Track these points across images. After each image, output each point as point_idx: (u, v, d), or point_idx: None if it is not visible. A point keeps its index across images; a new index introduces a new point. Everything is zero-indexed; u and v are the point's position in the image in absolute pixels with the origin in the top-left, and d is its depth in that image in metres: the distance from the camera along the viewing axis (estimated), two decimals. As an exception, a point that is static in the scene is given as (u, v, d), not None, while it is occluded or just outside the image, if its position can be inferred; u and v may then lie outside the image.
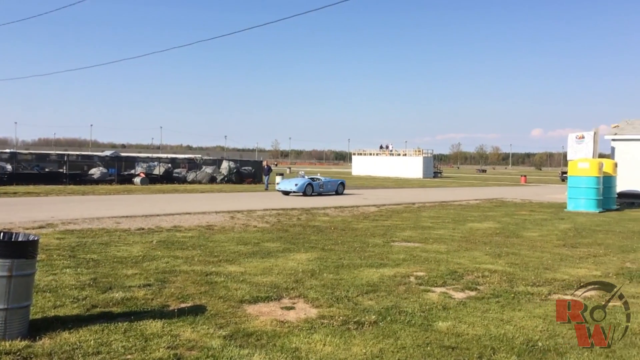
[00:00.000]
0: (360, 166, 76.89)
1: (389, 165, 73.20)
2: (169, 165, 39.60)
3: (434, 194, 32.90)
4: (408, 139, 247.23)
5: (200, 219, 15.85)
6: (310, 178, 29.76)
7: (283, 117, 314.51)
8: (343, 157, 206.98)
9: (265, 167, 36.09)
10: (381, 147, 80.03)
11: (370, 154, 79.60)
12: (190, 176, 38.69)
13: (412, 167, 70.56)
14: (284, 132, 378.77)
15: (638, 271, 9.58)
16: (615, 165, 25.54)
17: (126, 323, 5.70)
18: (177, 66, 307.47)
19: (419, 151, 74.05)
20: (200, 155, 61.05)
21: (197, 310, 6.25)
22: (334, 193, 29.95)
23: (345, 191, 31.20)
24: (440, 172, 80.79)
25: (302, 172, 35.78)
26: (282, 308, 6.57)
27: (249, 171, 41.75)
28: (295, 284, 7.77)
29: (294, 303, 6.81)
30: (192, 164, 41.66)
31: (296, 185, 28.14)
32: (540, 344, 5.48)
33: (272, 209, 19.56)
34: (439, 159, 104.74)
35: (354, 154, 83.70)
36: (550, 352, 5.27)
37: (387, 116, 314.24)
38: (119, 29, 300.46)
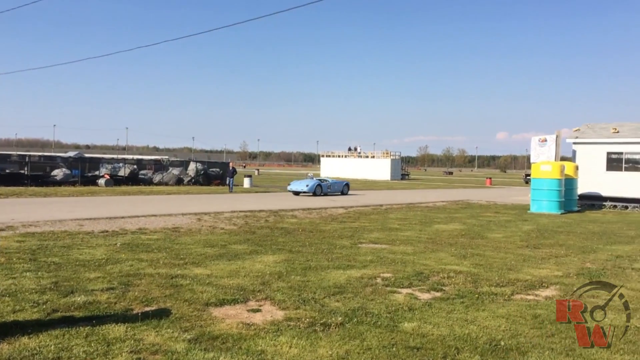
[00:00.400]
0: (329, 168, 76.99)
1: (357, 167, 73.55)
2: (135, 166, 38.97)
3: (401, 196, 33.21)
4: (376, 141, 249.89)
5: (166, 221, 15.65)
6: (319, 180, 32.12)
7: (251, 119, 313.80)
8: (312, 159, 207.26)
9: (230, 168, 35.77)
10: (350, 149, 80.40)
11: (339, 156, 79.86)
12: (157, 178, 38.15)
13: (380, 169, 71.08)
14: (253, 134, 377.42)
15: (598, 271, 9.85)
16: (577, 168, 26.25)
17: (88, 327, 5.59)
18: (144, 66, 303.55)
19: (387, 153, 74.59)
20: (167, 157, 60.30)
21: (162, 314, 6.16)
22: (339, 193, 32.20)
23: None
24: (408, 174, 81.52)
25: (311, 174, 38.10)
26: (248, 310, 6.53)
27: (217, 173, 41.39)
28: (262, 286, 7.73)
29: (260, 305, 6.77)
30: (159, 166, 41.09)
31: (307, 186, 30.42)
32: (502, 343, 5.58)
33: (240, 211, 19.44)
34: (407, 161, 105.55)
35: (323, 156, 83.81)
36: (512, 351, 5.36)
37: (355, 118, 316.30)
38: (83, 28, 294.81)
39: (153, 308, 6.45)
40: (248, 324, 5.94)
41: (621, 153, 26.76)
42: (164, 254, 10.13)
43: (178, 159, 49.56)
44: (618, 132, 27.63)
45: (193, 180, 39.10)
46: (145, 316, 6.03)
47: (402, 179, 72.33)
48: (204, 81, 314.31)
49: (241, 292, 7.34)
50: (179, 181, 38.32)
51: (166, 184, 37.43)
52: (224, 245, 11.46)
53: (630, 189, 26.20)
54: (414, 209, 23.40)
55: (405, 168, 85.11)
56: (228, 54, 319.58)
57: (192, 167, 40.60)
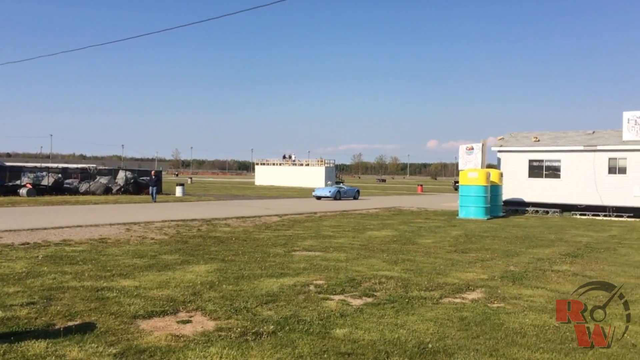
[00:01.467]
0: (264, 176, 76.77)
1: (292, 175, 73.66)
2: (60, 175, 37.32)
3: (335, 204, 33.50)
4: (311, 149, 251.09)
5: (92, 232, 15.07)
6: (337, 187, 39.46)
7: (184, 126, 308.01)
8: (246, 167, 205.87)
9: (153, 177, 34.90)
10: (284, 157, 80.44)
11: (274, 164, 79.74)
12: (83, 187, 36.71)
13: (314, 176, 71.44)
14: (185, 142, 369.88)
15: (520, 274, 10.29)
16: (501, 175, 27.43)
17: (6, 345, 5.29)
18: (69, 70, 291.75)
19: (322, 161, 75.21)
20: (94, 165, 58.19)
21: (86, 328, 5.92)
22: (352, 198, 38.87)
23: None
24: (342, 182, 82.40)
25: (330, 182, 45.10)
26: (178, 322, 6.38)
27: (148, 181, 40.29)
28: (193, 297, 7.58)
29: (191, 316, 6.64)
30: (85, 174, 39.55)
31: (330, 192, 37.50)
32: (430, 346, 5.72)
33: (172, 220, 19.01)
34: (341, 169, 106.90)
35: (257, 164, 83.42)
36: (440, 353, 5.51)
37: (290, 126, 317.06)
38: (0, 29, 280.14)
39: (77, 322, 6.19)
40: (177, 336, 5.81)
41: (542, 161, 28.18)
42: (90, 266, 9.75)
43: (106, 167, 47.88)
44: (539, 140, 29.09)
45: (122, 189, 37.88)
46: (68, 331, 5.78)
47: (336, 186, 73.03)
48: (133, 87, 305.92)
49: (171, 304, 7.16)
50: (107, 190, 37.03)
51: (93, 193, 36.08)
52: (153, 256, 11.16)
53: (550, 194, 27.61)
54: (347, 216, 23.67)
55: (339, 176, 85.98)
56: (159, 59, 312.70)
57: (121, 175, 39.38)
